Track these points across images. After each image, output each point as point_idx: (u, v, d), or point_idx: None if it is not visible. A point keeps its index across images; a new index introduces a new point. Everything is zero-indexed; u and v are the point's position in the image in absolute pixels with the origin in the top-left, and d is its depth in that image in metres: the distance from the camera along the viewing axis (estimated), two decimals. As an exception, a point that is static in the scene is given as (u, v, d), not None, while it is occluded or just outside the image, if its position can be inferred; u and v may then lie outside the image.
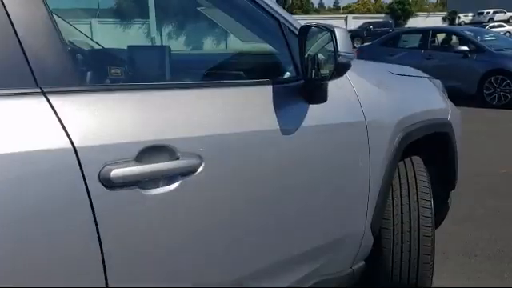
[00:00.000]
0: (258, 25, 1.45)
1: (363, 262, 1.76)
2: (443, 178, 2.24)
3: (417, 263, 1.83)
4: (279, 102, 1.28)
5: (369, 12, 45.29)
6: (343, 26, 35.57)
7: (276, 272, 1.33)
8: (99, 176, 0.88)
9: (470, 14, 38.29)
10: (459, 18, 38.53)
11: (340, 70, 1.25)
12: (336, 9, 72.77)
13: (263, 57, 1.59)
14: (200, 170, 1.04)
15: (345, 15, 41.75)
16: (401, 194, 1.86)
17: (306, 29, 1.32)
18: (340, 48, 1.20)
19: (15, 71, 0.85)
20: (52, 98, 0.86)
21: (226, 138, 1.13)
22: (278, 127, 1.25)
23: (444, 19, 41.23)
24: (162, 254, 1.00)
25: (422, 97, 2.07)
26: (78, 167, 0.85)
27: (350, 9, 52.40)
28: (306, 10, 52.60)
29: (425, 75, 2.31)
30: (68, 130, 0.85)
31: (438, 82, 2.36)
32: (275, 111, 1.26)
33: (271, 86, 1.30)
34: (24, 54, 0.85)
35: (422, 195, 1.86)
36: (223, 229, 1.14)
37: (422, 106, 1.98)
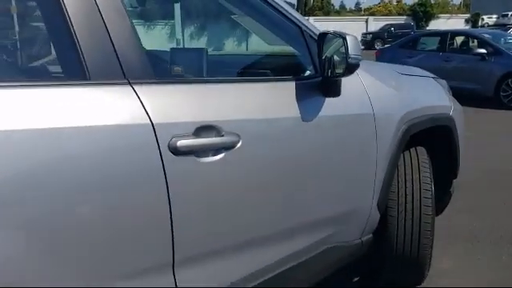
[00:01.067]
0: (283, 31, 1.76)
1: (371, 235, 2.04)
2: (447, 167, 2.50)
3: (418, 238, 2.10)
4: (301, 95, 1.58)
5: (390, 14, 44.95)
6: (364, 27, 35.54)
7: (299, 233, 1.63)
8: (168, 145, 1.19)
9: (494, 16, 37.78)
10: (482, 19, 38.04)
11: (350, 69, 1.55)
12: (357, 10, 72.32)
13: (288, 58, 1.89)
14: (239, 145, 1.35)
15: (366, 17, 41.64)
16: (405, 179, 2.13)
17: (323, 35, 1.61)
18: (350, 51, 1.49)
19: (110, 67, 1.16)
20: (136, 87, 1.18)
21: (258, 121, 1.43)
22: (300, 115, 1.56)
23: (467, 21, 40.76)
24: (211, 205, 1.32)
25: (426, 94, 2.34)
26: (155, 138, 1.17)
27: (371, 10, 52.06)
28: (327, 11, 52.51)
29: (430, 75, 2.58)
30: (148, 111, 1.17)
31: (444, 81, 2.62)
32: (297, 102, 1.56)
33: (294, 82, 1.60)
34: (116, 54, 1.17)
35: (424, 179, 2.13)
36: (257, 193, 1.45)
37: (426, 102, 2.25)
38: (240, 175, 1.38)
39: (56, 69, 1.29)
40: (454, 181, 2.56)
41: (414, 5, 42.61)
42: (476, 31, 12.05)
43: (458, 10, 53.48)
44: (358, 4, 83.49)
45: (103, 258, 1.13)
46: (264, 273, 1.52)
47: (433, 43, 9.70)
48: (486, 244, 2.86)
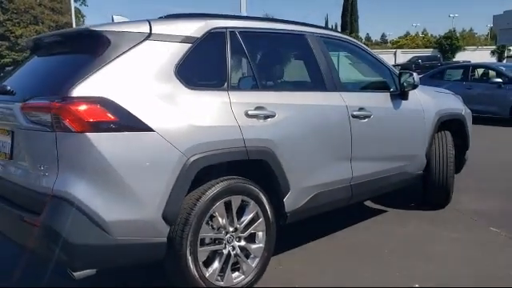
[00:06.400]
0: (382, 71, 3.84)
1: (422, 172, 4.03)
2: (462, 144, 4.48)
3: (446, 175, 4.07)
4: (391, 98, 3.64)
5: (417, 47, 46.83)
6: (392, 59, 37.63)
7: (394, 159, 3.64)
8: (351, 113, 3.22)
9: (521, 48, 39.09)
10: (509, 50, 39.41)
11: (414, 87, 3.63)
12: (383, 42, 74.48)
13: (384, 82, 3.94)
14: (371, 116, 3.37)
15: (394, 50, 43.78)
16: (439, 145, 4.12)
17: (401, 72, 3.70)
18: (415, 80, 3.58)
19: (333, 85, 3.19)
20: (341, 93, 3.21)
21: (377, 107, 3.46)
22: (392, 106, 3.61)
23: (493, 53, 42.29)
24: (363, 137, 3.33)
25: (449, 102, 4.38)
26: (347, 110, 3.20)
27: (398, 44, 54.10)
28: (355, 44, 54.75)
29: (451, 93, 4.63)
30: (345, 101, 3.19)
31: (459, 96, 4.67)
32: (390, 101, 3.62)
33: (389, 93, 3.67)
34: (332, 79, 3.22)
35: (449, 146, 4.11)
36: (380, 138, 3.46)
37: (448, 105, 4.28)
38: (372, 129, 3.40)
39: (318, 85, 3.34)
40: (467, 152, 4.54)
41: (440, 38, 44.45)
42: (493, 64, 13.98)
43: (485, 41, 54.88)
44: (383, 36, 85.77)
45: (338, 155, 3.16)
46: (379, 174, 3.53)
47: (457, 74, 11.64)
48: (489, 193, 4.78)
